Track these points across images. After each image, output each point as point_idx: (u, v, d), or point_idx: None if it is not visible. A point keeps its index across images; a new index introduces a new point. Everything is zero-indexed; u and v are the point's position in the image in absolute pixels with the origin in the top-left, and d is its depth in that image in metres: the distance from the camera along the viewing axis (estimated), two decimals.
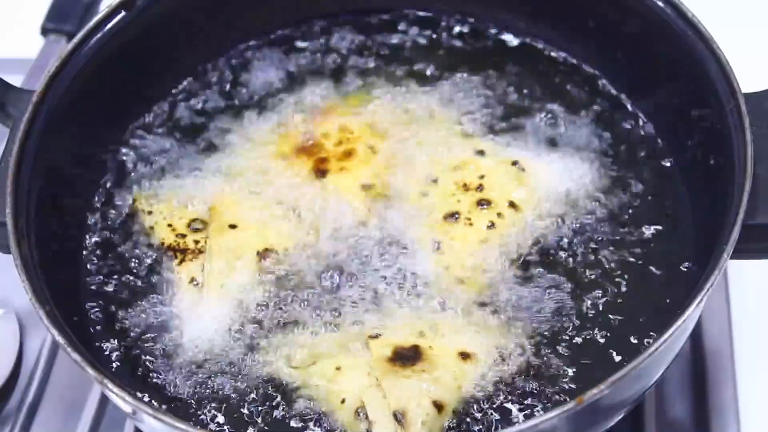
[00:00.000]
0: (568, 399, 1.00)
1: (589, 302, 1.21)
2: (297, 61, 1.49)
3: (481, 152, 1.34)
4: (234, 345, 1.20)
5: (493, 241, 1.26)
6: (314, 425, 1.14)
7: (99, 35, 1.33)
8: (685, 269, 1.23)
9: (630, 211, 1.29)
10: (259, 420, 1.15)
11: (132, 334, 1.23)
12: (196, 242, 1.28)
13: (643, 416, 1.29)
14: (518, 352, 1.17)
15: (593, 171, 1.33)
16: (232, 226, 1.28)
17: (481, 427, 1.12)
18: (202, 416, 1.16)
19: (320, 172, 1.33)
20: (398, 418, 1.10)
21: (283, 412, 1.15)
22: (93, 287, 1.28)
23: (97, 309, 1.26)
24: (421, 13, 1.51)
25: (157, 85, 1.45)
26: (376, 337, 1.18)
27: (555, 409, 0.99)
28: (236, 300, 1.23)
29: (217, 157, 1.38)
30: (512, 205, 1.28)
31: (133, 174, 1.37)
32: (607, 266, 1.24)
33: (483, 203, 1.28)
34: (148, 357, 1.21)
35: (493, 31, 1.49)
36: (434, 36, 1.50)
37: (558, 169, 1.32)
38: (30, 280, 1.12)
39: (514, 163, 1.32)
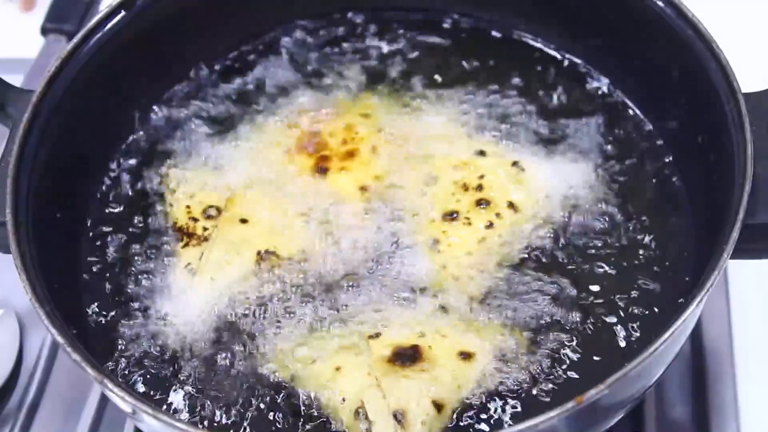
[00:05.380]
0: (567, 399, 1.00)
1: (588, 302, 1.21)
2: (299, 62, 1.49)
3: (481, 152, 1.34)
4: (222, 339, 1.21)
5: (492, 240, 1.26)
6: (313, 425, 1.14)
7: (99, 35, 1.33)
8: (684, 269, 1.23)
9: (629, 211, 1.29)
10: (254, 420, 1.15)
11: (132, 330, 1.23)
12: (205, 229, 1.29)
13: (643, 416, 1.29)
14: (517, 352, 1.17)
15: (592, 172, 1.32)
16: (243, 221, 1.29)
17: (480, 427, 1.12)
18: (192, 415, 1.16)
19: (321, 170, 1.33)
20: (398, 418, 1.10)
21: (281, 412, 1.15)
22: (93, 286, 1.28)
23: (97, 308, 1.26)
24: (426, 14, 1.51)
25: (158, 85, 1.45)
26: (376, 336, 1.18)
27: (555, 409, 0.99)
28: (226, 295, 1.23)
29: (224, 153, 1.38)
30: (511, 205, 1.28)
31: (133, 172, 1.38)
32: (605, 266, 1.24)
33: (482, 203, 1.28)
34: (145, 353, 1.21)
35: (494, 32, 1.49)
36: (438, 37, 1.50)
37: (557, 169, 1.32)
38: (30, 280, 1.12)
39: (514, 163, 1.32)
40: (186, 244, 1.28)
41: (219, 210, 1.31)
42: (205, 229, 1.29)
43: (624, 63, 1.39)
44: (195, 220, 1.30)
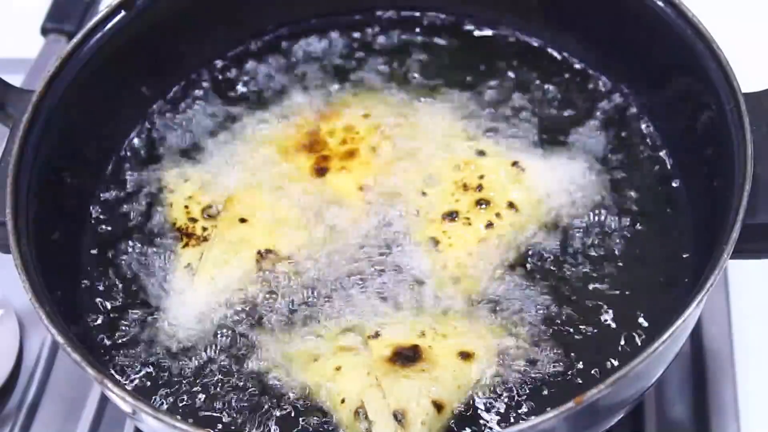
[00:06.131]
0: (567, 399, 1.00)
1: (588, 302, 1.21)
2: (299, 61, 1.49)
3: (481, 152, 1.34)
4: (222, 339, 1.21)
5: (492, 240, 1.26)
6: (314, 426, 1.14)
7: (99, 35, 1.33)
8: (684, 269, 1.23)
9: (629, 211, 1.29)
10: (253, 420, 1.15)
11: (132, 330, 1.23)
12: (204, 229, 1.29)
13: (643, 416, 1.29)
14: (518, 352, 1.17)
15: (593, 171, 1.32)
16: (243, 221, 1.29)
17: (480, 426, 1.12)
18: (192, 415, 1.16)
19: (320, 170, 1.33)
20: (398, 417, 1.10)
21: (281, 412, 1.15)
22: (93, 286, 1.28)
23: (97, 307, 1.26)
24: (426, 15, 1.51)
25: (157, 85, 1.45)
26: (376, 336, 1.18)
27: (554, 410, 0.99)
28: (226, 294, 1.23)
29: (223, 153, 1.38)
30: (511, 205, 1.28)
31: (133, 172, 1.38)
32: (605, 266, 1.24)
33: (482, 203, 1.28)
34: (145, 353, 1.21)
35: (494, 32, 1.49)
36: (439, 37, 1.50)
37: (557, 169, 1.32)
38: (30, 280, 1.12)
39: (514, 163, 1.32)
40: (186, 244, 1.28)
41: (218, 210, 1.31)
42: (204, 229, 1.29)
43: (624, 63, 1.39)
44: (194, 220, 1.30)
